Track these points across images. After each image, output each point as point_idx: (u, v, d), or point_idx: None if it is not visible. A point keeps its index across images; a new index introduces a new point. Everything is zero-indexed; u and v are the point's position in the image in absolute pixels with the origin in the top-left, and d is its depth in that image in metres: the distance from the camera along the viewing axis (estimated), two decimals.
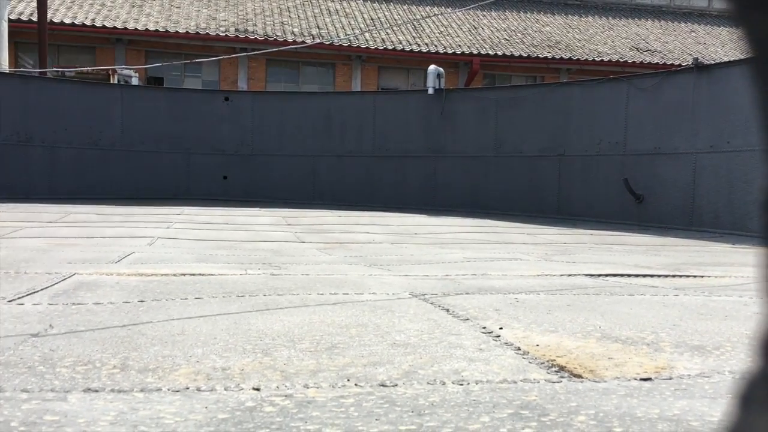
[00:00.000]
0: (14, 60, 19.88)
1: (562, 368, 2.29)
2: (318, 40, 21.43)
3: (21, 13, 20.42)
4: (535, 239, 8.47)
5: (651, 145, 11.19)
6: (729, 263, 6.18)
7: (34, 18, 18.43)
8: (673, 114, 10.94)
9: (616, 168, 11.67)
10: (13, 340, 2.52)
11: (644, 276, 4.88)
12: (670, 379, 2.18)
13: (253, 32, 22.34)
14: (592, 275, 4.83)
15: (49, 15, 18.57)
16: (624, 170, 11.50)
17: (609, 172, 11.79)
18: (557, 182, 12.60)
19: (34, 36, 17.82)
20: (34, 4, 18.39)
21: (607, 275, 4.85)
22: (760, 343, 0.44)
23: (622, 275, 4.88)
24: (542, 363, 2.35)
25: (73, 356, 2.32)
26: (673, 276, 4.94)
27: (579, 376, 2.20)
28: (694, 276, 4.96)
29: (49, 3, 18.33)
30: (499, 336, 2.75)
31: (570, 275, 4.81)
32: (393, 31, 23.79)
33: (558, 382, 2.13)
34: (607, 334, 2.83)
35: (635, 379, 2.18)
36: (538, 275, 4.80)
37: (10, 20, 16.85)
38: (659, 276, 4.91)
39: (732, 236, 9.39)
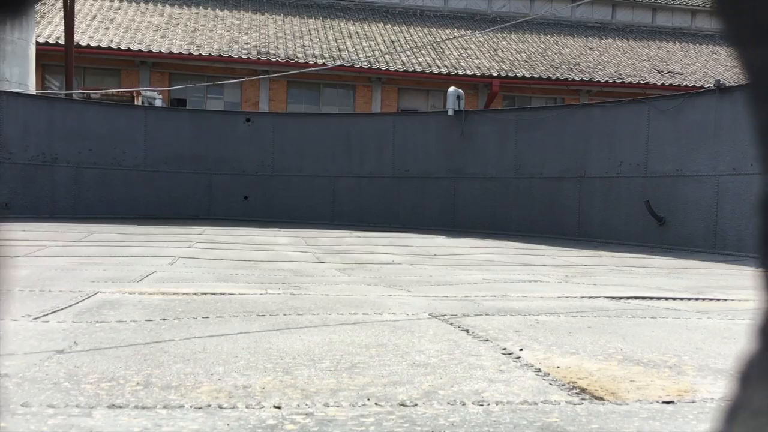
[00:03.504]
0: (41, 82, 20.29)
1: (583, 390, 2.27)
2: (339, 63, 21.65)
3: (48, 37, 20.87)
4: (555, 261, 8.43)
5: (673, 167, 11.12)
6: (753, 286, 6.10)
7: (61, 41, 18.84)
8: (695, 136, 10.88)
9: (637, 190, 11.60)
10: (39, 357, 2.56)
11: (666, 299, 4.83)
12: (693, 402, 2.16)
13: (274, 54, 22.62)
14: (613, 297, 4.79)
15: (76, 38, 18.97)
16: (645, 192, 11.43)
17: (630, 194, 11.72)
18: (578, 204, 12.55)
19: (60, 59, 18.22)
20: (62, 27, 18.80)
21: (628, 298, 4.81)
22: (758, 327, 0.46)
23: (643, 298, 4.83)
24: (563, 385, 2.34)
25: (97, 373, 2.35)
26: (696, 299, 4.89)
27: (600, 399, 2.18)
28: (718, 299, 4.91)
29: (75, 27, 18.73)
30: (519, 357, 2.74)
31: (591, 297, 4.78)
32: (413, 53, 23.96)
33: (579, 404, 2.12)
34: (628, 356, 2.81)
35: (657, 402, 2.16)
36: (559, 297, 4.78)
37: (37, 43, 17.23)
38: (682, 299, 4.87)
39: (756, 259, 9.26)
